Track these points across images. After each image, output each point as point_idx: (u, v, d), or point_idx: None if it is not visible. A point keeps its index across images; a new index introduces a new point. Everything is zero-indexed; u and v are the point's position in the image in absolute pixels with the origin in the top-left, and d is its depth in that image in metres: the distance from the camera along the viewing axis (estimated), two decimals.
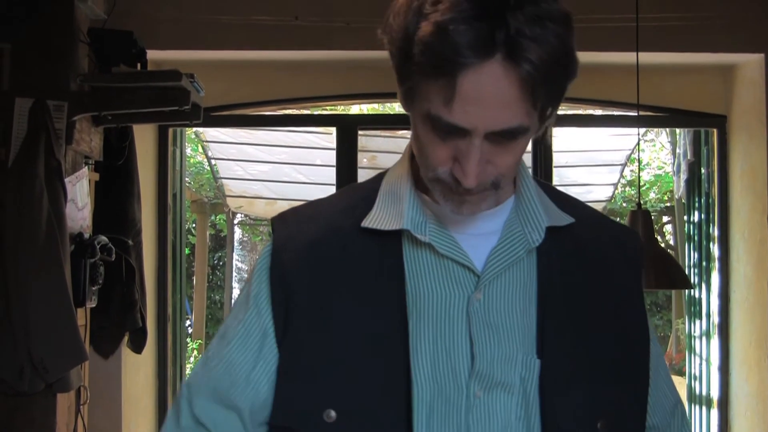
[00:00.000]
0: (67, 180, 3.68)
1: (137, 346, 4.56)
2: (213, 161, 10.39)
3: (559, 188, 1.78)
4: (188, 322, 12.99)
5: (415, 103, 1.49)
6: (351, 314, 1.55)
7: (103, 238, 3.96)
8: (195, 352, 12.49)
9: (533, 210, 1.63)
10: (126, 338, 4.54)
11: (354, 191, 1.74)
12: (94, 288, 3.90)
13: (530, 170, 5.43)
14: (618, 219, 15.97)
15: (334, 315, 1.56)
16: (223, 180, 10.68)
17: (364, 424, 1.52)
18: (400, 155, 1.72)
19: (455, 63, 1.38)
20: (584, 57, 4.96)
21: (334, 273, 1.58)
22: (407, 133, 1.52)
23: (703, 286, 5.96)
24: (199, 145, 11.68)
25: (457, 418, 1.54)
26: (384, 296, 1.56)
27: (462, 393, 1.54)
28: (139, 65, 4.10)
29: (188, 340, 12.12)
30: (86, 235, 3.92)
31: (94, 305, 3.98)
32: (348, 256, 1.59)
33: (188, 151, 12.20)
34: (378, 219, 1.61)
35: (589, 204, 1.77)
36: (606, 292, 1.67)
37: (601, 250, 1.70)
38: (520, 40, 1.37)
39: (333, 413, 1.52)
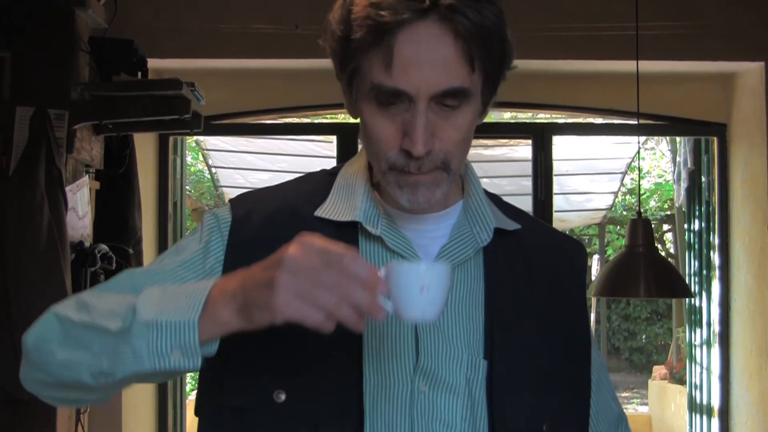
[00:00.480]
0: (67, 189, 3.69)
1: None
2: (213, 169, 10.40)
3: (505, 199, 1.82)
4: None
5: (359, 86, 1.54)
6: None
7: (104, 247, 3.96)
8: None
9: (482, 211, 1.66)
10: None
11: (313, 178, 1.75)
12: None
13: (530, 180, 5.48)
14: (618, 227, 16.03)
15: None
16: (223, 188, 10.69)
17: (314, 406, 1.52)
18: None
19: (391, 23, 1.44)
20: (584, 65, 5.00)
21: None
22: None
23: (704, 294, 5.96)
24: (200, 153, 11.68)
25: (402, 410, 1.54)
26: None
27: (407, 387, 1.55)
28: (139, 74, 4.11)
29: None
30: (87, 244, 3.92)
31: None
32: None
33: (189, 159, 12.21)
34: (331, 209, 1.63)
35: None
36: (550, 297, 1.69)
37: (547, 257, 1.73)
38: (451, 6, 1.45)
39: (283, 395, 1.52)
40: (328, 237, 1.57)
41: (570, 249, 1.80)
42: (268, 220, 1.63)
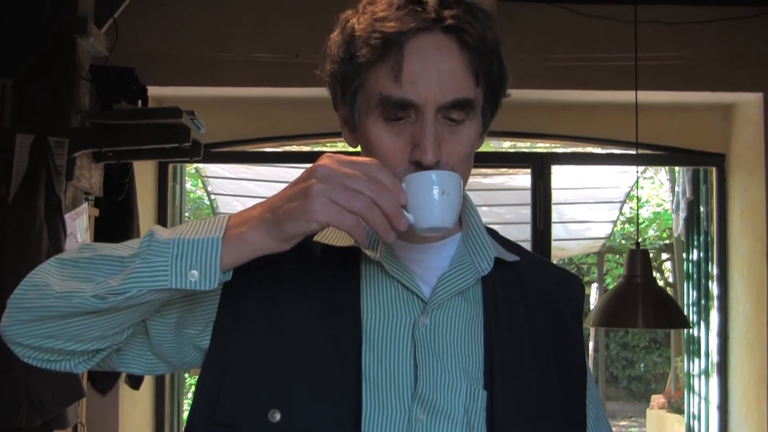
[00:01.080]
0: (67, 216, 3.69)
1: (135, 383, 4.56)
2: (213, 196, 10.40)
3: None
4: None
5: (364, 104, 1.56)
6: (305, 318, 1.55)
7: None
8: (193, 387, 12.43)
9: (482, 242, 1.67)
10: (123, 375, 4.53)
11: None
12: None
13: (529, 208, 5.49)
14: (617, 256, 16.03)
15: (288, 317, 1.55)
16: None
17: (309, 428, 1.51)
18: None
19: (399, 34, 1.49)
20: (584, 96, 5.01)
21: (292, 274, 1.59)
22: None
23: (702, 324, 5.96)
24: (199, 180, 11.69)
25: None
26: (340, 305, 1.56)
27: (404, 414, 1.54)
28: (140, 102, 4.12)
29: (186, 375, 12.06)
30: None
31: None
32: (309, 259, 1.60)
33: (188, 185, 12.22)
34: (331, 236, 1.63)
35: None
36: (547, 330, 1.69)
37: (545, 290, 1.73)
38: (456, 17, 1.51)
39: (278, 415, 1.51)
40: (330, 262, 1.58)
41: (567, 282, 1.80)
42: None
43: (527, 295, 1.68)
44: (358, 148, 1.62)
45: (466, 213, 1.71)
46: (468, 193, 1.72)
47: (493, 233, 1.75)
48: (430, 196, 1.43)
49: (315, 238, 1.61)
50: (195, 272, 1.39)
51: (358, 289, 1.58)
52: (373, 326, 1.56)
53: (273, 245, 1.41)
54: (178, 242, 1.40)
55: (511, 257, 1.69)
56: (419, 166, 1.50)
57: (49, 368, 1.57)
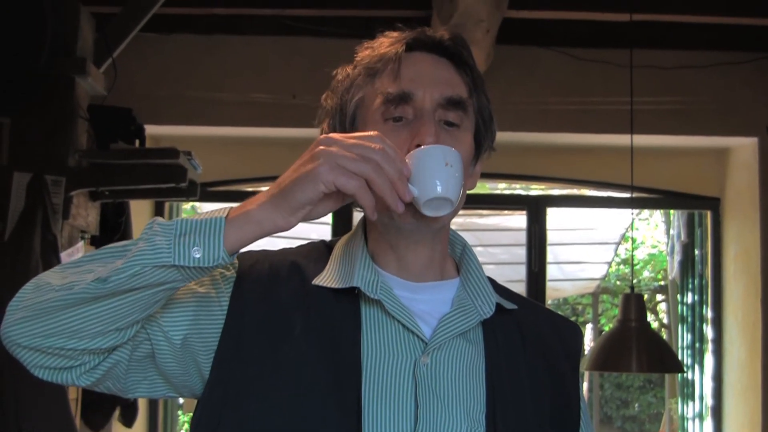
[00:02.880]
0: (62, 254, 3.69)
1: (128, 420, 4.54)
2: None
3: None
4: None
5: (364, 115, 1.64)
6: (305, 358, 1.55)
7: None
8: (186, 425, 12.37)
9: (482, 286, 1.69)
10: (117, 412, 4.51)
11: (314, 245, 1.77)
12: None
13: (524, 249, 5.49)
14: (612, 297, 16.01)
15: (288, 357, 1.55)
16: None
17: None
18: None
19: (396, 52, 1.62)
20: (579, 139, 5.04)
21: (292, 314, 1.58)
22: None
23: (697, 367, 5.96)
24: None
25: None
26: (340, 346, 1.56)
27: None
28: (137, 142, 4.13)
29: (179, 412, 12.01)
30: None
31: None
32: (308, 300, 1.60)
33: None
34: (330, 278, 1.63)
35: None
36: (547, 378, 1.70)
37: (542, 336, 1.74)
38: (451, 46, 1.66)
39: None
40: (329, 303, 1.58)
41: (566, 330, 1.81)
42: (272, 271, 1.64)
43: (526, 342, 1.70)
44: None
45: (465, 259, 1.73)
46: (463, 233, 1.74)
47: (491, 282, 1.75)
48: (434, 166, 1.47)
49: (314, 281, 1.62)
50: (198, 248, 1.41)
51: (358, 328, 1.58)
52: (373, 366, 1.56)
53: (280, 220, 1.44)
54: (181, 222, 1.43)
55: (510, 305, 1.70)
56: None
57: (52, 380, 1.54)
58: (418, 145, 1.52)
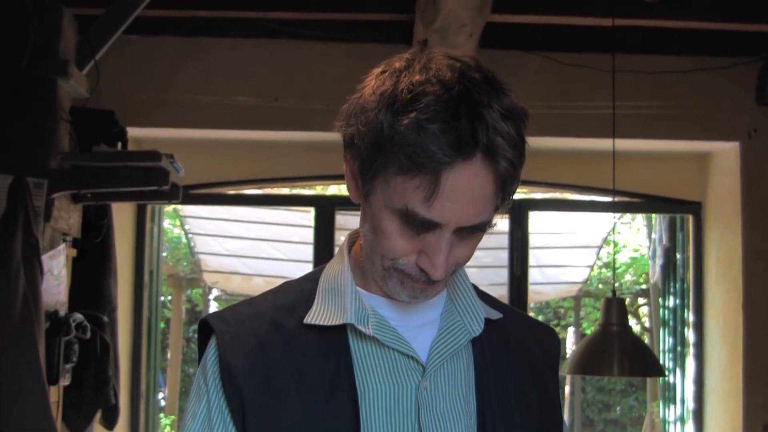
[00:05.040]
0: (44, 256, 3.68)
1: (110, 423, 4.52)
2: (190, 235, 10.39)
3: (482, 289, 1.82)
4: (161, 395, 12.86)
5: (384, 196, 1.49)
6: (303, 414, 1.54)
7: (79, 316, 3.94)
8: (168, 428, 12.35)
9: (472, 302, 1.68)
10: (98, 415, 4.50)
11: (291, 289, 1.72)
12: (68, 366, 3.88)
13: (507, 252, 5.49)
14: (594, 300, 16.05)
15: (286, 416, 1.54)
16: (200, 255, 10.67)
17: None
18: None
19: (440, 162, 1.40)
20: (562, 143, 5.03)
21: (283, 373, 1.57)
22: None
23: (678, 371, 5.97)
24: (177, 219, 11.68)
25: None
26: (334, 392, 1.56)
27: None
28: (119, 144, 4.12)
29: (161, 415, 11.99)
30: (62, 313, 3.90)
31: (67, 383, 3.95)
32: (294, 355, 1.58)
33: (166, 224, 12.19)
34: (320, 315, 1.61)
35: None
36: (529, 383, 1.71)
37: (524, 345, 1.75)
38: (496, 138, 1.42)
39: None
40: (316, 345, 1.57)
41: (544, 335, 1.82)
42: (254, 346, 1.60)
43: (511, 353, 1.71)
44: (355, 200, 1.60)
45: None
46: None
47: (474, 287, 1.75)
48: None
49: (305, 320, 1.60)
50: None
51: (351, 370, 1.57)
52: (373, 400, 1.56)
53: None
54: None
55: (495, 314, 1.69)
56: (425, 273, 1.51)
57: None
58: (425, 271, 1.50)
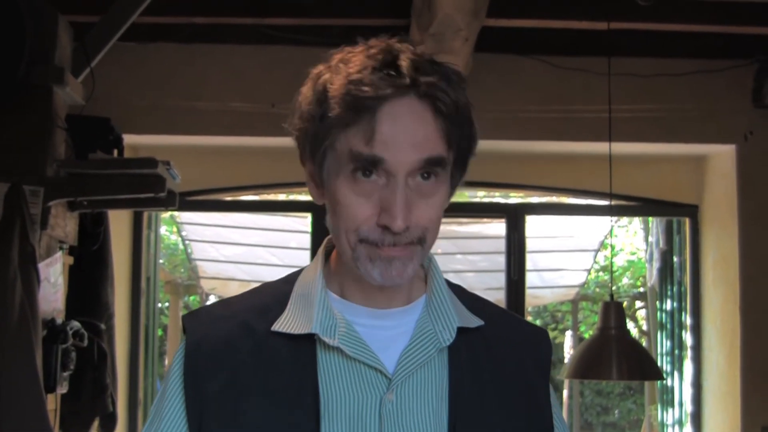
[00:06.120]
0: (40, 265, 3.67)
1: (108, 431, 4.52)
2: (187, 242, 10.38)
3: (470, 291, 1.80)
4: None
5: (333, 164, 1.53)
6: (264, 419, 1.54)
7: (76, 324, 3.93)
8: None
9: (445, 309, 1.64)
10: (96, 423, 4.49)
11: (268, 290, 1.71)
12: (65, 374, 3.87)
13: (504, 256, 5.49)
14: (591, 303, 16.06)
15: (248, 420, 1.54)
16: (197, 261, 10.67)
17: None
18: None
19: (373, 99, 1.47)
20: (558, 147, 5.04)
21: (248, 376, 1.56)
22: None
23: (676, 374, 5.98)
24: (174, 225, 11.67)
25: None
26: (297, 400, 1.54)
27: None
28: (115, 151, 4.12)
29: None
30: (59, 321, 3.89)
31: (65, 391, 3.94)
32: (262, 359, 1.57)
33: (163, 230, 12.18)
34: (288, 323, 1.60)
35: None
36: (515, 391, 1.67)
37: (511, 350, 1.71)
38: (424, 77, 1.49)
39: None
40: (285, 352, 1.56)
41: (534, 338, 1.78)
42: (222, 347, 1.60)
43: (492, 359, 1.66)
44: (323, 204, 1.60)
45: (430, 276, 1.69)
46: (442, 241, 1.71)
47: (458, 291, 1.73)
48: None
49: (273, 327, 1.59)
50: None
51: (316, 379, 1.56)
52: (335, 411, 1.54)
53: None
54: None
55: (474, 322, 1.66)
56: (387, 230, 1.49)
57: None
58: (386, 226, 1.49)
